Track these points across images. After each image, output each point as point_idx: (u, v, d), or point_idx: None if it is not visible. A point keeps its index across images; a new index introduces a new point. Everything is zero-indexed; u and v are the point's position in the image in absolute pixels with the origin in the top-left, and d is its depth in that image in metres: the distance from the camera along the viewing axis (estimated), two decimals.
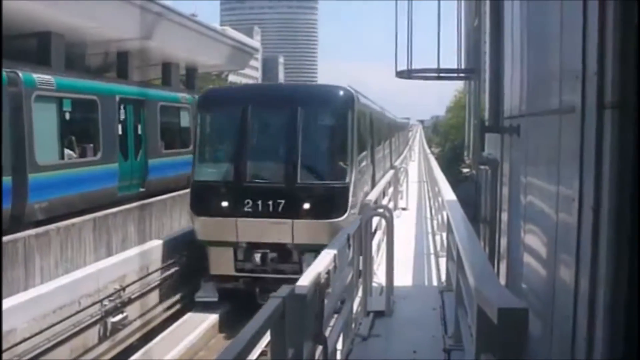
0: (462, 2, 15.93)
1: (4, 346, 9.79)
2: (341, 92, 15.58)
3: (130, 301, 13.91)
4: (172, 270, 16.01)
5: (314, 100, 15.48)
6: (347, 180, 14.63)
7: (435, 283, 10.49)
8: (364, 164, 16.97)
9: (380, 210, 9.61)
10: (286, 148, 14.90)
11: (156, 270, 15.49)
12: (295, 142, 14.61)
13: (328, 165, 15.24)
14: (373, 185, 17.70)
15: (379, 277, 9.15)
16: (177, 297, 16.04)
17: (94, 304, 12.60)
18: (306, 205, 14.16)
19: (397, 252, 8.93)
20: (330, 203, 14.43)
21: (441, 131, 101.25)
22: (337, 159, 15.12)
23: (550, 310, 3.65)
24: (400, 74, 15.69)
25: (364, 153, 17.29)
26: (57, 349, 11.30)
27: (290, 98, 15.33)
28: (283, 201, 14.21)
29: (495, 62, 7.11)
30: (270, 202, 14.22)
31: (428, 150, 44.37)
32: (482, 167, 8.83)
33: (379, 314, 7.89)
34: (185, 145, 23.43)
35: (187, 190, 16.45)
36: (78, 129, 17.60)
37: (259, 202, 14.24)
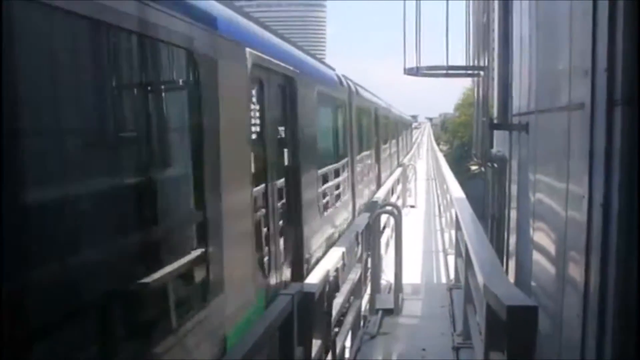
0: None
1: None
2: None
3: None
4: None
5: None
6: None
7: (444, 281, 10.45)
8: None
9: (389, 208, 9.56)
10: None
11: None
12: None
13: None
14: None
15: (388, 274, 9.13)
16: None
17: None
18: None
19: (405, 249, 8.91)
20: None
21: (449, 129, 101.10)
22: None
23: (560, 309, 3.64)
24: (409, 71, 15.60)
25: None
26: None
27: None
28: None
29: (504, 59, 7.07)
30: None
31: (437, 148, 44.13)
32: (490, 164, 8.79)
33: (387, 312, 7.88)
34: None
35: None
36: None
37: None
